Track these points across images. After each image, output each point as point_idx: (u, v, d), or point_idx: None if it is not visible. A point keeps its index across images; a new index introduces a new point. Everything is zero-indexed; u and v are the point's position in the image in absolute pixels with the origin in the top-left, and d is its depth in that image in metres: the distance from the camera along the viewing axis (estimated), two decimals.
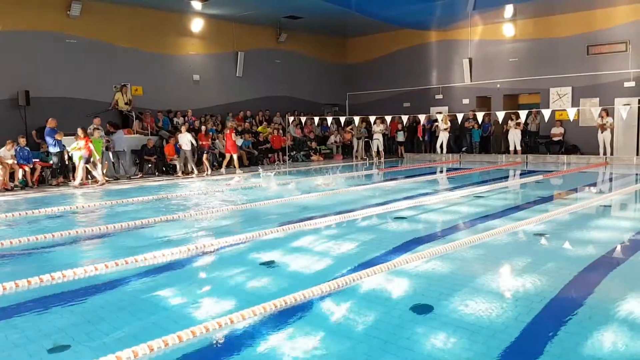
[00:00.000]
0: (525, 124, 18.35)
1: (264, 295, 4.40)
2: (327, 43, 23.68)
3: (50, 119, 12.96)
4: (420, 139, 20.72)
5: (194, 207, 9.30)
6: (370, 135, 20.24)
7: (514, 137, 18.21)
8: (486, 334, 3.60)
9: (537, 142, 18.92)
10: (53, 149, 12.95)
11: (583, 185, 12.30)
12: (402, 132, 20.55)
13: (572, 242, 6.55)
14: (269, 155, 18.80)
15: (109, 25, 16.50)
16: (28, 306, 4.36)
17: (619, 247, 6.08)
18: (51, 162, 13.18)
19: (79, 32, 15.90)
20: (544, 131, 18.76)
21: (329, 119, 21.34)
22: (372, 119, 18.91)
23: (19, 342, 3.62)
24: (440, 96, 21.75)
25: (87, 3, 15.78)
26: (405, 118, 18.90)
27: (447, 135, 19.60)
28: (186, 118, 17.24)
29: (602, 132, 16.67)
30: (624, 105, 16.00)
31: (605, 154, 16.72)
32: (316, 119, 19.81)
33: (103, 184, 12.96)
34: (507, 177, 14.26)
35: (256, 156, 18.13)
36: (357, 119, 18.84)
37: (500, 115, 17.60)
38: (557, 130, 18.32)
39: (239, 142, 16.38)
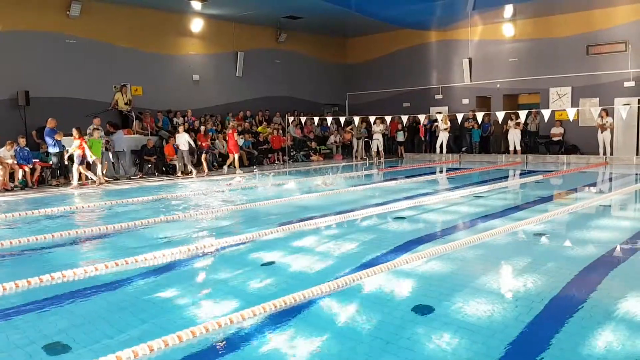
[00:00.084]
0: (525, 124, 18.35)
1: (264, 295, 4.40)
2: (327, 43, 23.69)
3: (49, 119, 12.96)
4: (422, 139, 20.70)
5: (193, 208, 9.30)
6: (370, 135, 20.24)
7: (514, 137, 18.21)
8: (486, 334, 3.60)
9: (536, 142, 18.93)
10: (52, 149, 12.95)
11: (583, 185, 12.30)
12: (402, 132, 20.56)
13: (571, 242, 6.56)
14: (269, 155, 18.80)
15: (108, 25, 16.50)
16: (28, 307, 4.36)
17: (618, 247, 6.08)
18: (51, 162, 13.17)
19: (78, 32, 15.89)
20: (544, 131, 18.76)
21: (329, 119, 21.35)
22: (372, 119, 18.93)
23: (19, 343, 3.62)
24: (440, 96, 21.75)
25: (87, 3, 15.77)
26: (405, 118, 18.93)
27: (447, 135, 19.60)
28: (186, 118, 17.24)
29: (601, 132, 16.67)
30: (624, 105, 16.01)
31: (605, 154, 16.72)
32: (316, 119, 19.82)
33: (102, 184, 12.95)
34: (507, 177, 14.26)
35: (256, 156, 18.14)
36: (357, 119, 18.84)
37: (500, 115, 17.61)
38: (556, 130, 18.32)
39: (240, 142, 16.40)
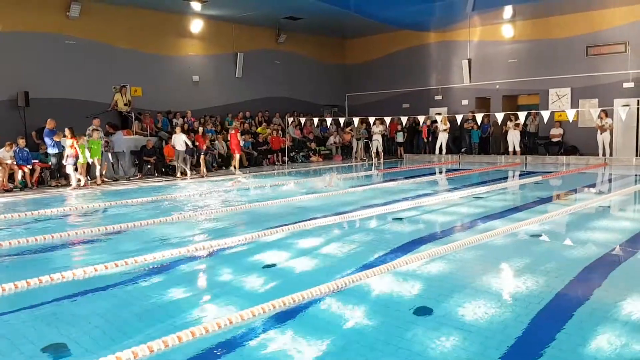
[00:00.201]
0: (525, 124, 18.36)
1: (263, 296, 4.40)
2: (327, 44, 23.70)
3: (49, 120, 12.95)
4: (425, 140, 20.66)
5: (192, 208, 9.29)
6: (369, 136, 20.25)
7: (513, 138, 18.22)
8: (486, 335, 3.60)
9: (536, 143, 18.94)
10: (52, 150, 12.94)
11: (582, 186, 12.31)
12: (401, 133, 20.57)
13: (571, 243, 6.56)
14: (269, 156, 18.80)
15: (108, 26, 16.50)
16: (27, 307, 4.36)
17: (618, 248, 6.08)
18: (50, 163, 13.17)
19: (78, 33, 15.89)
20: (543, 132, 18.79)
21: (329, 120, 21.37)
22: (371, 119, 18.93)
23: (18, 344, 3.62)
24: (439, 97, 21.77)
25: (86, 4, 15.77)
26: (404, 119, 18.94)
27: (446, 136, 19.61)
28: (185, 119, 17.24)
29: (601, 133, 16.68)
30: (623, 106, 16.03)
31: (604, 154, 16.73)
32: (315, 120, 19.83)
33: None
34: (507, 178, 14.27)
35: (255, 157, 18.14)
36: (356, 120, 18.85)
37: (500, 116, 17.62)
38: (556, 131, 18.34)
39: (241, 142, 16.43)
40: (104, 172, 13.83)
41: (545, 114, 15.66)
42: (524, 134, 18.60)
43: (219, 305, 4.39)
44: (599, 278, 4.90)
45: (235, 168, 15.79)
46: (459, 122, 19.01)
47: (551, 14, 18.47)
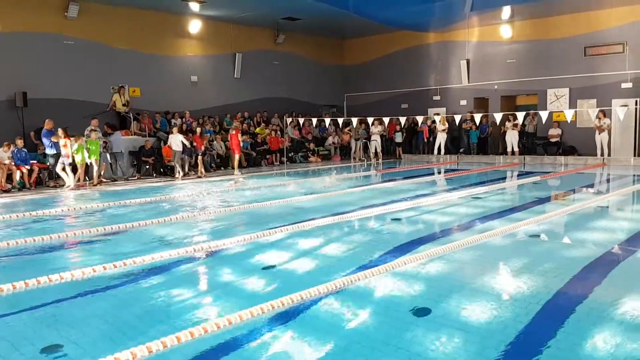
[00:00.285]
0: (523, 125, 18.37)
1: (262, 296, 4.40)
2: (325, 44, 23.71)
3: (47, 121, 12.94)
4: (425, 140, 20.62)
5: (191, 209, 9.28)
6: (368, 136, 20.25)
7: (512, 138, 18.24)
8: (484, 335, 3.61)
9: (534, 143, 18.96)
10: (50, 151, 12.91)
11: (580, 187, 12.32)
12: (400, 133, 20.57)
13: (569, 243, 6.57)
14: (267, 156, 18.80)
15: (106, 26, 16.49)
16: (26, 308, 4.36)
17: (616, 248, 6.09)
18: (48, 163, 13.15)
19: (76, 34, 15.88)
20: (542, 132, 18.81)
21: (327, 120, 21.36)
22: (370, 120, 18.93)
23: (17, 344, 3.62)
24: (437, 97, 21.78)
25: (85, 4, 15.76)
26: (403, 119, 18.93)
27: (445, 136, 19.62)
28: (184, 119, 17.23)
29: (599, 133, 16.70)
30: (622, 106, 16.04)
31: (602, 155, 16.76)
32: (314, 120, 19.84)
33: (96, 185, 12.91)
34: (505, 178, 14.28)
35: (254, 157, 18.14)
36: (355, 120, 18.85)
37: (498, 116, 17.60)
38: (554, 132, 18.37)
39: (241, 142, 16.44)
40: (102, 173, 13.81)
41: (544, 114, 15.68)
42: (522, 134, 18.63)
43: (217, 305, 4.40)
44: (597, 278, 4.91)
45: (234, 168, 15.79)
46: (457, 123, 19.02)
47: (549, 15, 18.50)
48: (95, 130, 13.72)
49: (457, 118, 18.44)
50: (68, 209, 9.45)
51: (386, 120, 19.60)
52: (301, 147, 20.21)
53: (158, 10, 17.43)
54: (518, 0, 17.19)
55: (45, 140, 12.93)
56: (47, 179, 13.33)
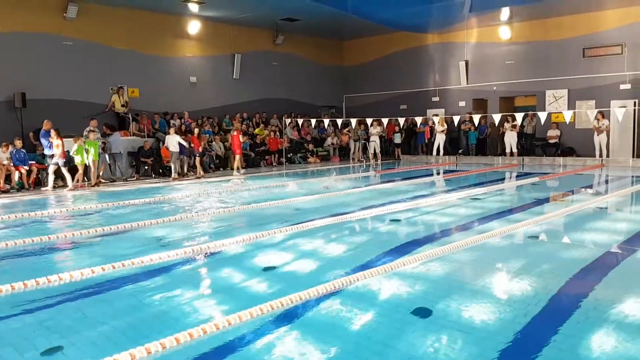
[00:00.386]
0: (522, 126, 18.40)
1: (261, 297, 4.39)
2: (324, 45, 23.72)
3: (45, 121, 12.92)
4: (427, 141, 20.63)
5: (190, 210, 9.28)
6: (367, 137, 20.27)
7: (510, 140, 18.26)
8: (483, 336, 3.61)
9: (533, 144, 18.99)
10: (48, 151, 12.90)
11: (579, 188, 12.33)
12: (399, 134, 20.59)
13: (568, 244, 6.58)
14: (266, 157, 18.80)
15: (105, 27, 16.49)
16: (25, 309, 4.34)
17: (615, 249, 6.10)
18: (47, 164, 13.13)
19: (75, 34, 15.87)
20: (540, 133, 18.83)
21: (326, 121, 21.37)
22: (368, 121, 18.93)
23: (17, 345, 3.61)
24: (436, 98, 21.80)
25: (84, 5, 15.75)
26: (402, 120, 18.94)
27: (444, 137, 19.63)
28: (182, 120, 17.22)
29: (598, 135, 16.73)
30: (620, 107, 16.06)
31: (601, 156, 16.78)
32: (313, 121, 19.84)
33: (93, 186, 12.86)
34: (504, 179, 14.29)
35: (253, 158, 18.13)
36: (354, 121, 18.86)
37: (497, 117, 17.61)
38: (553, 133, 18.39)
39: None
40: (101, 173, 13.79)
41: (542, 116, 15.70)
42: (521, 135, 18.65)
43: (217, 306, 4.39)
44: (596, 279, 4.91)
45: (233, 169, 15.79)
46: (456, 124, 19.03)
47: (548, 16, 18.53)
48: (94, 131, 13.69)
49: (456, 119, 18.44)
50: (67, 210, 9.44)
51: (385, 121, 19.61)
52: (300, 148, 20.22)
53: (157, 11, 17.43)
54: (517, 2, 17.21)
55: (43, 141, 12.91)
56: (46, 179, 13.30)
